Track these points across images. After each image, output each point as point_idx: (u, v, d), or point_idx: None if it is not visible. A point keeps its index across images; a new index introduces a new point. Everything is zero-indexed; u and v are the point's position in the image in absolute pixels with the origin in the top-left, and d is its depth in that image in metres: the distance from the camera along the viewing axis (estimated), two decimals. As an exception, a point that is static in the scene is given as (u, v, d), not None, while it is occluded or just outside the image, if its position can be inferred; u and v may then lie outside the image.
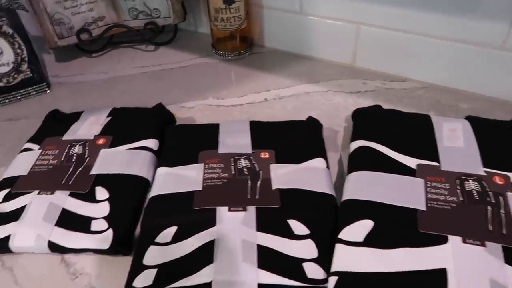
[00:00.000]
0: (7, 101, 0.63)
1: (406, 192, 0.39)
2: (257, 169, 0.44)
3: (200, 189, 0.42)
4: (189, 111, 0.60)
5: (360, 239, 0.36)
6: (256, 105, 0.61)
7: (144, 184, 0.45)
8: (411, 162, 0.43)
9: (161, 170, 0.46)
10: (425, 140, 0.46)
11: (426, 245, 0.34)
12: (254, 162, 0.45)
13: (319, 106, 0.59)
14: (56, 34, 0.66)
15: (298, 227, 0.38)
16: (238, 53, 0.71)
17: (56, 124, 0.54)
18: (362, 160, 0.44)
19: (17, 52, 0.60)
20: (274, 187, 0.42)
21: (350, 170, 0.44)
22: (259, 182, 0.43)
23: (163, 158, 0.48)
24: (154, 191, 0.43)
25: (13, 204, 0.42)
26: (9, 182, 0.45)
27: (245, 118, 0.58)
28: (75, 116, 0.54)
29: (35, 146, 0.49)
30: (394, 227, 0.36)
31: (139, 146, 0.48)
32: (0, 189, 0.44)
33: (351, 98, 0.60)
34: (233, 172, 0.44)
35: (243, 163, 0.45)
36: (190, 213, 0.40)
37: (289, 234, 0.38)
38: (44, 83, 0.65)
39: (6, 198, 0.43)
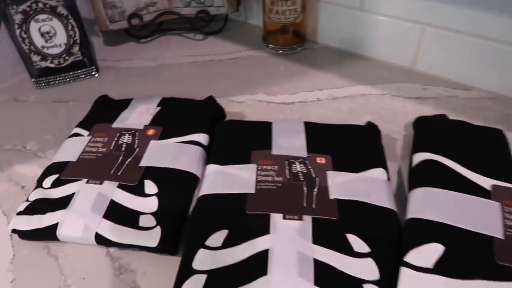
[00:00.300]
0: (56, 82, 0.63)
1: (480, 216, 0.36)
2: (313, 175, 0.42)
3: (253, 192, 0.40)
4: (238, 105, 0.58)
5: (429, 265, 0.33)
6: (309, 104, 0.58)
7: (193, 180, 0.43)
8: (485, 182, 0.39)
9: (211, 167, 0.44)
10: (499, 158, 0.42)
11: (507, 279, 0.31)
12: (310, 167, 0.43)
13: (376, 110, 0.56)
14: (108, 17, 0.65)
15: (357, 243, 0.36)
16: (290, 48, 0.68)
17: (105, 110, 0.53)
18: (429, 175, 0.41)
19: (70, 34, 0.60)
20: (331, 196, 0.39)
21: (414, 185, 0.40)
22: (315, 190, 0.40)
23: (214, 154, 0.46)
24: (204, 190, 0.41)
25: (61, 190, 0.41)
26: (58, 168, 0.44)
27: (297, 117, 0.55)
28: (124, 103, 0.53)
29: (85, 132, 0.49)
30: (468, 254, 0.33)
31: (189, 140, 0.46)
32: (49, 174, 0.44)
33: (410, 104, 0.57)
34: (287, 177, 0.41)
35: (298, 167, 0.43)
36: (242, 217, 0.38)
37: (347, 250, 0.35)
38: (93, 67, 0.64)
39: (55, 184, 0.42)
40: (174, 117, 0.50)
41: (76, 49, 0.61)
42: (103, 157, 0.44)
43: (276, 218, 0.37)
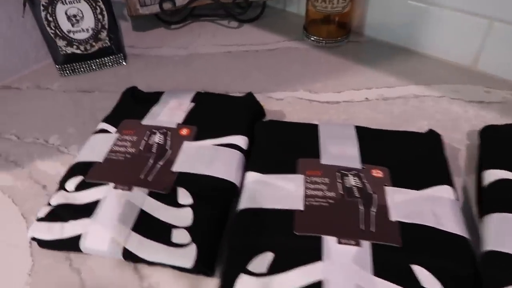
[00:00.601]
0: (82, 70, 0.59)
1: None
2: (370, 191, 0.36)
3: (302, 208, 0.35)
4: (278, 103, 0.53)
5: (520, 314, 0.27)
6: (356, 104, 0.52)
7: (231, 190, 0.38)
8: None
9: (252, 176, 0.39)
10: None
11: None
12: (365, 181, 0.37)
13: (432, 115, 0.50)
14: (139, 1, 0.60)
15: (426, 278, 0.30)
16: (335, 40, 0.62)
17: (134, 103, 0.48)
18: (507, 199, 0.35)
19: (98, 18, 0.55)
20: (392, 218, 0.34)
21: (489, 209, 0.35)
22: (373, 209, 0.35)
23: (254, 160, 0.41)
24: (245, 203, 0.36)
25: (86, 195, 0.37)
26: (83, 168, 0.40)
27: (344, 119, 0.50)
28: (155, 97, 0.49)
29: (112, 128, 0.44)
30: None
31: (227, 143, 0.41)
32: (73, 175, 0.39)
33: (472, 109, 0.50)
34: (340, 192, 0.36)
35: (351, 180, 0.37)
36: (290, 238, 0.33)
37: (414, 285, 0.30)
38: (121, 54, 0.60)
39: (79, 187, 0.38)
40: (210, 116, 0.45)
41: (104, 34, 0.56)
42: (132, 159, 0.40)
43: (329, 242, 0.32)
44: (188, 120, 0.44)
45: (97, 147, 0.42)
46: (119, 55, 0.59)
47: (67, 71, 0.58)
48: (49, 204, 0.37)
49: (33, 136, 0.49)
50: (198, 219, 0.35)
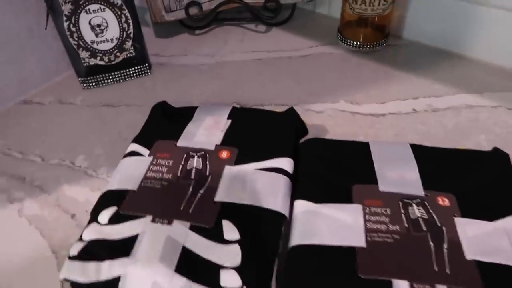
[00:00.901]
0: (106, 82, 0.55)
1: None
2: (438, 224, 0.32)
3: (364, 245, 0.31)
4: (318, 116, 0.49)
5: None
6: (403, 117, 0.48)
7: (280, 222, 0.35)
8: None
9: (301, 205, 0.35)
10: None
11: None
12: (431, 211, 0.33)
13: (489, 128, 0.45)
14: (164, 6, 0.57)
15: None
16: (373, 44, 0.58)
17: (165, 121, 0.45)
18: None
19: (123, 26, 0.51)
20: (468, 256, 0.30)
21: None
22: (445, 246, 0.31)
23: (303, 187, 0.37)
24: (297, 239, 0.33)
25: (122, 230, 0.34)
26: (116, 198, 0.36)
27: (392, 134, 0.46)
28: (187, 113, 0.45)
29: (145, 151, 0.41)
30: None
31: (272, 167, 0.38)
32: (105, 206, 0.36)
33: (532, 121, 0.46)
34: (405, 225, 0.32)
35: (416, 211, 0.33)
36: (354, 282, 0.29)
37: None
38: (146, 64, 0.56)
39: (113, 220, 0.35)
40: (250, 135, 0.41)
41: (129, 44, 0.53)
42: (170, 187, 0.37)
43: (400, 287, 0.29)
44: (227, 140, 0.41)
45: (130, 173, 0.39)
46: (144, 65, 0.56)
47: (91, 84, 0.55)
48: (82, 239, 0.34)
49: (58, 157, 0.46)
50: (247, 258, 0.31)
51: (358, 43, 0.58)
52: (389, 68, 0.55)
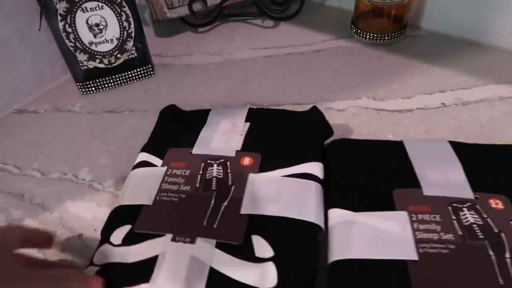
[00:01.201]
0: (106, 86, 0.51)
1: None
2: (495, 229, 0.29)
3: (416, 258, 0.27)
4: (340, 114, 0.45)
5: None
6: (432, 112, 0.44)
7: (316, 234, 0.31)
8: None
9: (337, 214, 0.31)
10: None
11: None
12: (485, 215, 0.30)
13: (527, 120, 0.42)
14: (166, 3, 0.53)
15: None
16: (391, 36, 0.54)
17: (176, 127, 0.41)
18: None
19: (123, 25, 0.47)
20: (535, 267, 0.27)
21: None
22: (508, 255, 0.27)
23: (337, 194, 0.33)
24: (337, 253, 0.29)
25: (138, 252, 0.30)
26: (129, 214, 0.32)
27: (422, 131, 0.42)
28: (200, 117, 0.41)
29: (157, 160, 0.37)
30: None
31: (300, 173, 0.34)
32: (117, 224, 0.32)
33: None
34: (459, 233, 0.29)
35: (469, 216, 0.30)
36: (409, 301, 0.26)
37: None
38: (149, 65, 0.52)
39: (128, 240, 0.31)
40: (272, 138, 0.37)
41: (130, 44, 0.49)
42: (189, 199, 0.33)
43: (464, 307, 0.25)
44: (247, 145, 0.37)
45: (143, 186, 0.35)
46: (147, 67, 0.52)
47: (90, 89, 0.51)
48: (93, 264, 0.30)
49: (59, 171, 0.42)
50: (285, 278, 0.27)
51: (375, 35, 0.55)
52: (410, 60, 0.52)
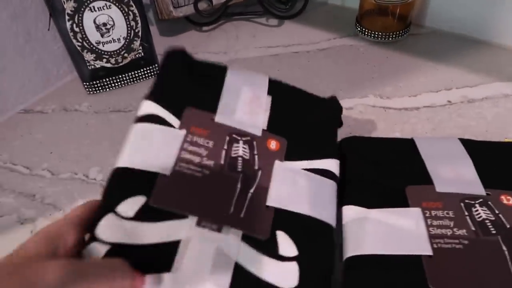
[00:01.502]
0: (113, 85, 0.51)
1: None
2: (508, 226, 0.29)
3: (430, 253, 0.28)
4: (348, 112, 0.45)
5: None
6: (438, 110, 0.45)
7: (331, 235, 0.31)
8: None
9: (352, 211, 0.32)
10: None
11: None
12: (497, 212, 0.30)
13: (533, 117, 0.43)
14: (172, 2, 0.53)
15: None
16: (395, 34, 0.55)
17: (190, 78, 0.35)
18: None
19: (131, 24, 0.47)
20: (548, 261, 0.27)
21: None
22: (521, 251, 0.28)
23: (351, 191, 0.33)
24: (352, 249, 0.29)
25: (157, 232, 0.26)
26: (141, 182, 0.27)
27: (430, 128, 0.43)
28: (216, 74, 0.36)
29: (172, 119, 0.31)
30: None
31: (320, 169, 0.33)
32: (125, 191, 0.27)
33: None
34: (472, 228, 0.29)
35: (481, 212, 0.30)
36: (425, 296, 0.26)
37: None
38: (156, 65, 0.52)
39: (142, 215, 0.26)
40: (296, 123, 0.35)
41: (137, 44, 0.49)
42: (214, 178, 0.29)
43: (480, 301, 0.25)
44: (273, 126, 0.34)
45: (156, 148, 0.29)
46: (153, 66, 0.52)
47: (96, 88, 0.51)
48: (98, 239, 0.25)
49: (69, 171, 0.42)
50: (305, 278, 0.27)
51: (380, 34, 0.55)
52: (415, 59, 0.52)
